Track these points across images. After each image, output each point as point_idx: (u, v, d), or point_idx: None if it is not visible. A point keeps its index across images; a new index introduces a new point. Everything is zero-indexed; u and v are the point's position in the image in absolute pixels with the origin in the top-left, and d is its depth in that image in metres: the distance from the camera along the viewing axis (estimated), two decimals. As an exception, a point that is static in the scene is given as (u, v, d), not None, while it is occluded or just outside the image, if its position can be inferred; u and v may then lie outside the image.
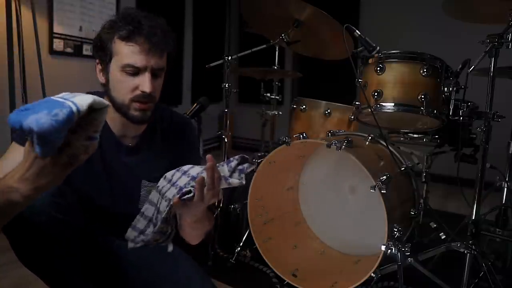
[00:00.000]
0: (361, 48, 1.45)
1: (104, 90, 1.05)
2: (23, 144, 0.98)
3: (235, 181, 0.86)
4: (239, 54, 1.98)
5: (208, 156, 0.83)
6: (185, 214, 0.96)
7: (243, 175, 0.87)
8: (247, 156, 0.89)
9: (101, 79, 1.04)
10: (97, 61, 1.04)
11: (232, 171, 0.88)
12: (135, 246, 0.95)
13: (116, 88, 1.01)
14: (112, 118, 1.07)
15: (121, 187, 1.10)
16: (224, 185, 0.86)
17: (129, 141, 1.11)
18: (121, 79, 0.99)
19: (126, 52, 0.97)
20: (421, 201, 1.68)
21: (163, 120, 1.18)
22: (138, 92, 0.99)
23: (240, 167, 0.88)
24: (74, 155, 0.67)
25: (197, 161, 1.27)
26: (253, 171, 0.86)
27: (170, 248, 0.99)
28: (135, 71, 0.98)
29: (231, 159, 0.89)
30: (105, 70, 1.02)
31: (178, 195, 0.85)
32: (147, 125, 1.14)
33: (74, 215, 0.98)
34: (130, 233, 0.95)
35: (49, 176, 0.67)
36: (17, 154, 1.00)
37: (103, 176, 1.08)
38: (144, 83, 0.98)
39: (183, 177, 0.89)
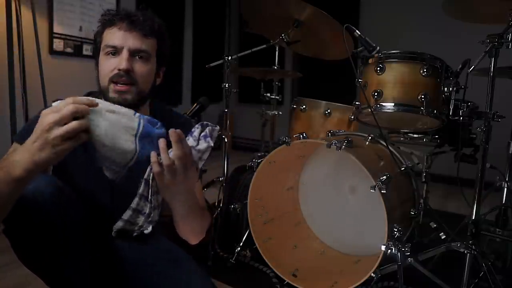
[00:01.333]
0: (361, 48, 1.45)
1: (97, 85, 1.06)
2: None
3: (203, 145, 0.87)
4: (239, 54, 1.98)
5: (171, 131, 0.83)
6: (169, 197, 0.95)
7: (208, 139, 0.88)
8: (206, 122, 0.89)
9: (96, 72, 1.05)
10: (95, 61, 1.06)
11: (198, 140, 0.88)
12: (118, 228, 0.97)
13: (99, 73, 1.02)
14: None
15: (119, 185, 1.10)
16: (196, 155, 0.87)
17: None
18: (103, 62, 1.00)
19: (108, 35, 1.00)
20: (421, 201, 1.68)
21: (164, 120, 1.17)
22: (115, 71, 0.98)
23: (203, 133, 0.88)
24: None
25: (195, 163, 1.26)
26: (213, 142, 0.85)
27: (148, 230, 0.99)
28: (114, 52, 0.99)
29: (193, 130, 0.89)
30: (97, 64, 1.04)
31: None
32: None
33: (75, 214, 0.98)
34: (117, 224, 0.98)
35: (50, 151, 0.73)
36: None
37: (103, 173, 1.08)
38: (121, 61, 0.97)
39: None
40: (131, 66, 0.99)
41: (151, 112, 1.16)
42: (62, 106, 0.75)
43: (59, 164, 1.01)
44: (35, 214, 0.87)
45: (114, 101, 0.99)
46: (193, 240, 1.11)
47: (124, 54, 0.98)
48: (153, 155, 0.84)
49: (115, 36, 0.98)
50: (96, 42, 1.04)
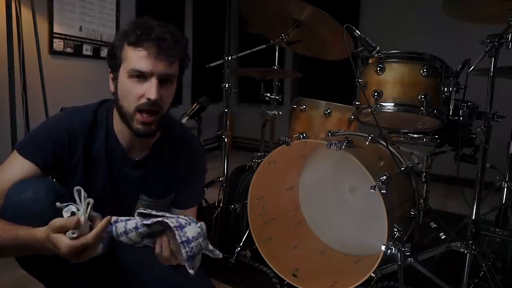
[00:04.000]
0: (361, 48, 1.45)
1: (114, 99, 1.03)
2: (28, 158, 0.97)
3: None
4: (239, 54, 1.98)
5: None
6: None
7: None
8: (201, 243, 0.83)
9: (111, 87, 1.02)
10: (109, 70, 1.02)
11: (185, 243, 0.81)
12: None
13: (123, 96, 0.98)
14: (121, 130, 1.05)
15: (119, 198, 1.10)
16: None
17: (137, 154, 1.10)
18: (128, 86, 0.95)
19: (134, 57, 0.94)
20: (421, 201, 1.68)
21: (174, 141, 1.15)
22: (143, 100, 0.94)
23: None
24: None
25: (198, 191, 1.26)
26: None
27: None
28: (142, 77, 0.94)
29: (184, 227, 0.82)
30: (115, 78, 1.00)
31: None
32: (156, 141, 1.11)
33: None
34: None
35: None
36: (18, 169, 0.96)
37: (107, 187, 1.07)
38: (150, 89, 0.93)
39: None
40: (160, 95, 0.95)
41: (158, 126, 1.12)
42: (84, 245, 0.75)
43: (59, 174, 1.01)
44: (35, 221, 0.84)
45: (138, 132, 0.98)
46: None
47: (154, 82, 0.94)
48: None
49: (143, 62, 0.93)
50: (115, 56, 0.98)
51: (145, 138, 1.03)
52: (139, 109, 0.96)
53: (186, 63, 1.04)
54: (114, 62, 0.98)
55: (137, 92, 0.95)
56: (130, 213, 1.10)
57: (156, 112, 0.97)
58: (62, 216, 0.78)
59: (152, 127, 0.98)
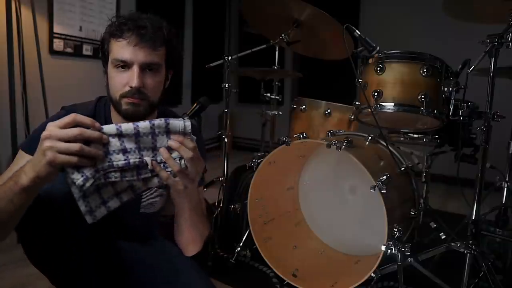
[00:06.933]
0: (361, 48, 1.45)
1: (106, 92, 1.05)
2: (31, 153, 0.98)
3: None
4: (239, 54, 1.98)
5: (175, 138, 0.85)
6: (178, 199, 0.98)
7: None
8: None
9: (105, 81, 1.04)
10: (103, 64, 1.05)
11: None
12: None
13: (110, 86, 1.01)
14: (118, 121, 1.06)
15: None
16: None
17: None
18: (113, 75, 0.99)
19: (116, 48, 0.97)
20: (421, 201, 1.68)
21: None
22: (127, 87, 0.97)
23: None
24: None
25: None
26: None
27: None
28: (125, 66, 0.97)
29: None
30: (106, 72, 1.03)
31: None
32: None
33: (82, 215, 0.97)
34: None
35: (45, 160, 0.75)
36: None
37: None
38: (132, 77, 0.96)
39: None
40: (142, 82, 0.97)
41: (158, 116, 1.15)
42: (66, 122, 0.77)
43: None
44: (47, 211, 0.87)
45: (127, 113, 0.99)
46: (191, 250, 1.11)
47: (135, 70, 0.96)
48: (164, 175, 0.86)
49: (124, 51, 0.95)
50: (103, 49, 1.01)
51: (134, 119, 1.01)
52: (123, 96, 0.98)
53: (175, 52, 1.05)
54: (104, 57, 1.02)
55: (121, 81, 0.97)
56: (131, 206, 1.10)
57: (142, 99, 0.99)
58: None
59: (140, 108, 0.99)
